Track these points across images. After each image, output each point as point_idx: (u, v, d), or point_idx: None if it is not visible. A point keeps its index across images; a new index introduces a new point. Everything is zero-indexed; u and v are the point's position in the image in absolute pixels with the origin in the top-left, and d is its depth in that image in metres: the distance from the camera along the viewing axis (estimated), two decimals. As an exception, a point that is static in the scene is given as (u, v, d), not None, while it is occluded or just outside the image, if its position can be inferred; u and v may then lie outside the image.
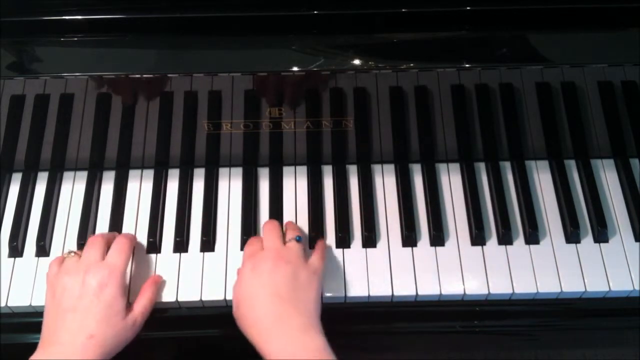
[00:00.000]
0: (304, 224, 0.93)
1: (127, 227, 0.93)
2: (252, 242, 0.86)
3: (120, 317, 0.77)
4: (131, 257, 0.87)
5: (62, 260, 0.84)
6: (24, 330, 0.89)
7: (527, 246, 0.91)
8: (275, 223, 0.87)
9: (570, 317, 0.91)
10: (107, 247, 0.84)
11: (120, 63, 0.83)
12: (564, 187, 0.95)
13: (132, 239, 0.87)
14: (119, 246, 0.83)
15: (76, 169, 0.97)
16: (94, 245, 0.83)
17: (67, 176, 0.97)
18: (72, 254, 0.83)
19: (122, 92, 0.87)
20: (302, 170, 0.97)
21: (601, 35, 0.84)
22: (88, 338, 0.74)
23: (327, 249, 0.90)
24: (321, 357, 0.71)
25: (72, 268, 0.80)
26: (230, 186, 0.96)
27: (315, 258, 0.83)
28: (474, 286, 0.88)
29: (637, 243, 0.92)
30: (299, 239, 0.84)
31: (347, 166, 0.97)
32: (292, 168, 0.97)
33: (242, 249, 0.90)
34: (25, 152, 0.95)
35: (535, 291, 0.87)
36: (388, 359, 0.97)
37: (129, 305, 0.81)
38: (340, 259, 0.90)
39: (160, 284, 0.87)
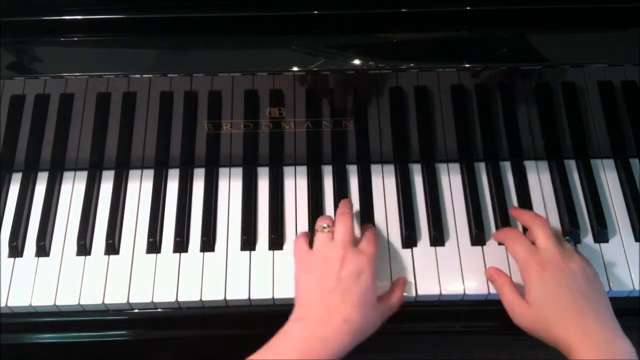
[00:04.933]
0: (304, 224, 0.93)
1: (127, 227, 0.93)
2: (518, 238, 0.84)
3: (372, 306, 0.78)
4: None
5: (307, 235, 0.86)
6: (24, 330, 0.89)
7: (527, 246, 0.91)
8: None
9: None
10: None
11: (120, 63, 0.83)
12: (563, 187, 0.95)
13: (376, 232, 0.88)
14: (369, 237, 0.84)
15: (76, 169, 0.97)
16: (345, 224, 0.83)
17: (67, 176, 0.97)
18: (327, 228, 0.83)
19: (122, 92, 0.87)
20: (302, 170, 0.97)
21: (601, 35, 0.84)
22: (343, 321, 0.74)
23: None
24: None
25: (328, 250, 0.80)
26: (230, 186, 0.96)
27: (585, 258, 0.83)
28: (474, 286, 0.88)
29: (637, 243, 0.92)
30: (571, 239, 0.85)
31: (347, 166, 0.98)
32: (292, 168, 0.97)
33: (242, 248, 0.90)
34: (25, 152, 0.95)
35: (535, 291, 0.87)
36: (388, 359, 0.97)
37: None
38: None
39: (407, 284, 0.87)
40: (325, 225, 0.84)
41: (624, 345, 0.72)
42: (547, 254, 0.80)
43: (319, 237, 0.83)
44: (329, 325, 0.74)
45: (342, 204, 0.89)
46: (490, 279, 0.86)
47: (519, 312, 0.79)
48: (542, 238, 0.82)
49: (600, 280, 0.81)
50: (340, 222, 0.84)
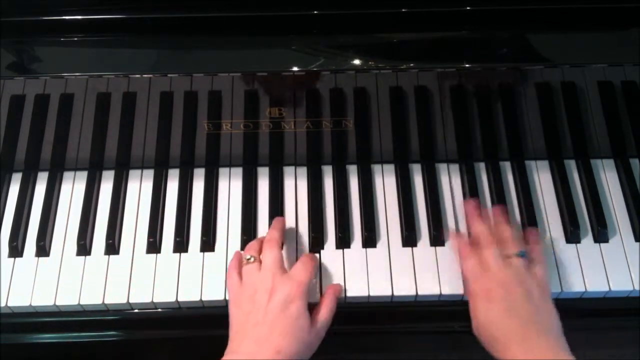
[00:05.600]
0: (304, 224, 0.93)
1: (127, 227, 0.93)
2: (468, 256, 0.82)
3: (305, 331, 0.77)
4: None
5: (239, 264, 0.83)
6: (24, 330, 0.89)
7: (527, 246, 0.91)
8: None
9: (570, 317, 0.91)
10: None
11: (120, 63, 0.83)
12: (564, 187, 0.95)
13: (316, 258, 0.87)
14: (305, 261, 0.82)
15: (76, 169, 0.97)
16: (272, 251, 0.82)
17: (67, 176, 0.97)
18: (252, 259, 0.82)
19: (122, 92, 0.87)
20: (302, 170, 0.97)
21: (601, 35, 0.84)
22: (275, 353, 0.74)
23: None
24: None
25: (257, 281, 0.79)
26: (230, 186, 0.96)
27: (539, 270, 0.81)
28: (474, 286, 0.88)
29: (637, 243, 0.91)
30: (522, 254, 0.81)
31: (347, 166, 0.97)
32: (292, 168, 0.97)
33: (242, 248, 0.90)
34: (25, 152, 0.95)
35: (535, 291, 0.87)
36: (388, 359, 0.97)
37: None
38: (340, 259, 0.90)
39: (339, 291, 0.86)
40: (248, 257, 0.82)
41: None
42: (494, 278, 0.79)
43: (245, 270, 0.82)
44: (260, 357, 0.74)
45: (273, 226, 0.88)
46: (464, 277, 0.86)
47: (473, 327, 0.79)
48: (490, 259, 0.80)
49: (550, 295, 0.80)
50: (267, 249, 0.83)
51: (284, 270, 0.81)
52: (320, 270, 0.88)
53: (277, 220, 0.89)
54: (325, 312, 0.82)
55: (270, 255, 0.82)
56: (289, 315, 0.76)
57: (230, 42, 0.84)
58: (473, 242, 0.85)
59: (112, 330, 0.90)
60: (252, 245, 0.85)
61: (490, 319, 0.76)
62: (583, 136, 0.96)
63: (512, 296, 0.77)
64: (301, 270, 0.81)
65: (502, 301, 0.77)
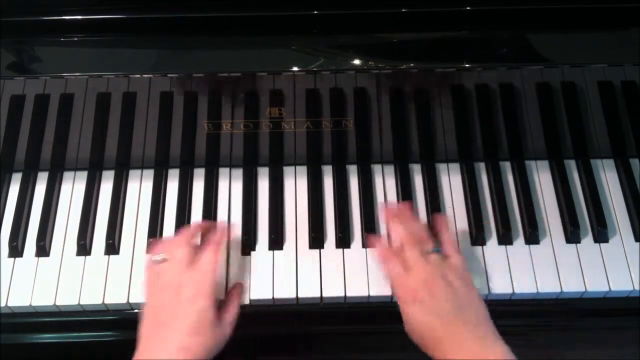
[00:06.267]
0: (304, 224, 0.93)
1: (127, 227, 0.93)
2: (390, 259, 0.81)
3: (212, 327, 0.77)
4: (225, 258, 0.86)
5: (150, 265, 0.82)
6: (24, 330, 0.89)
7: (527, 246, 0.91)
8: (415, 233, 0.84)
9: (570, 317, 0.91)
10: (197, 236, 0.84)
11: (120, 63, 0.83)
12: (564, 187, 0.95)
13: (221, 241, 0.84)
14: (210, 251, 0.81)
15: (76, 169, 0.97)
16: (179, 248, 0.81)
17: (67, 176, 0.97)
18: (160, 258, 0.81)
19: (122, 92, 0.87)
20: (302, 170, 0.97)
21: (601, 35, 0.84)
22: (180, 350, 0.74)
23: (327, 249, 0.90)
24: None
25: (165, 278, 0.79)
26: (231, 186, 0.96)
27: (455, 259, 0.82)
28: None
29: (637, 243, 0.92)
30: (437, 250, 0.82)
31: (347, 166, 0.97)
32: (292, 168, 0.97)
33: (242, 249, 0.90)
34: (25, 152, 0.95)
35: (535, 291, 0.87)
36: (388, 359, 0.97)
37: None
38: (340, 259, 0.90)
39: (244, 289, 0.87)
40: (157, 257, 0.82)
41: (496, 350, 0.73)
42: (417, 278, 0.79)
43: (155, 270, 0.81)
44: (165, 357, 0.74)
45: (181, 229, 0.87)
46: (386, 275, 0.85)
47: (407, 330, 0.79)
48: (411, 259, 0.80)
49: (472, 283, 0.80)
50: (174, 247, 0.81)
51: (192, 267, 0.79)
52: (320, 269, 0.88)
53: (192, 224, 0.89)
54: (230, 308, 0.82)
55: (177, 253, 0.81)
56: (195, 311, 0.76)
57: (230, 42, 0.84)
58: (394, 244, 0.85)
59: (112, 330, 0.90)
60: (160, 244, 0.85)
61: (420, 319, 0.77)
62: (583, 136, 0.96)
63: (436, 293, 0.77)
64: (206, 261, 0.80)
65: (428, 300, 0.77)
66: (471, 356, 0.72)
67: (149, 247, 0.88)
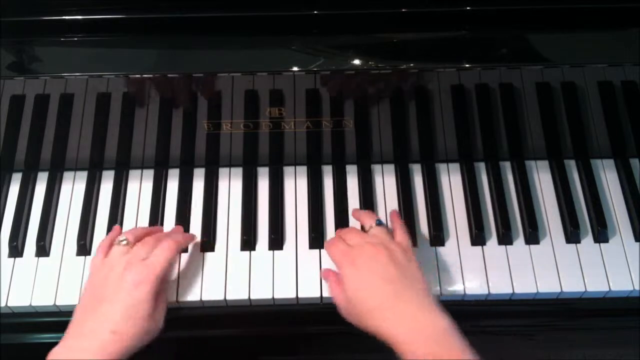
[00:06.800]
0: (304, 224, 0.93)
1: (127, 227, 0.93)
2: (334, 243, 0.83)
3: (145, 318, 0.77)
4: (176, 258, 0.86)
5: (109, 245, 0.83)
6: (24, 330, 0.89)
7: (527, 246, 0.91)
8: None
9: (570, 317, 0.91)
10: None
11: (120, 63, 0.83)
12: (564, 187, 0.95)
13: (180, 242, 0.85)
14: (164, 247, 0.81)
15: (76, 169, 0.97)
16: (145, 244, 0.82)
17: (67, 176, 0.97)
18: (125, 242, 0.82)
19: (122, 92, 0.87)
20: (302, 170, 0.97)
21: (601, 35, 0.84)
22: (110, 333, 0.74)
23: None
24: (449, 334, 0.72)
25: (115, 260, 0.80)
26: (230, 186, 0.96)
27: (399, 236, 0.83)
28: (474, 286, 0.88)
29: (637, 243, 0.92)
30: (379, 223, 0.84)
31: (347, 166, 0.97)
32: (292, 168, 0.97)
33: (242, 249, 0.90)
34: (25, 152, 0.95)
35: (535, 291, 0.87)
36: (387, 359, 0.97)
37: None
38: (340, 259, 0.90)
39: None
40: (122, 239, 0.82)
41: (440, 320, 0.73)
42: (359, 250, 0.80)
43: (114, 250, 0.82)
44: (96, 340, 0.74)
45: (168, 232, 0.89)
46: (323, 278, 0.87)
47: (343, 307, 0.79)
48: (354, 238, 0.82)
49: (414, 256, 0.80)
50: (142, 244, 0.82)
51: (145, 259, 0.80)
52: (320, 269, 0.88)
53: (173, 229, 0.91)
54: (162, 305, 0.82)
55: (142, 249, 0.81)
56: (135, 297, 0.76)
57: (230, 42, 0.84)
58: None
59: (112, 330, 0.90)
60: (134, 231, 0.85)
61: (359, 285, 0.77)
62: (583, 136, 0.96)
63: (377, 260, 0.77)
64: (159, 256, 0.80)
65: (369, 264, 0.77)
66: (415, 324, 0.72)
67: (113, 230, 0.87)
